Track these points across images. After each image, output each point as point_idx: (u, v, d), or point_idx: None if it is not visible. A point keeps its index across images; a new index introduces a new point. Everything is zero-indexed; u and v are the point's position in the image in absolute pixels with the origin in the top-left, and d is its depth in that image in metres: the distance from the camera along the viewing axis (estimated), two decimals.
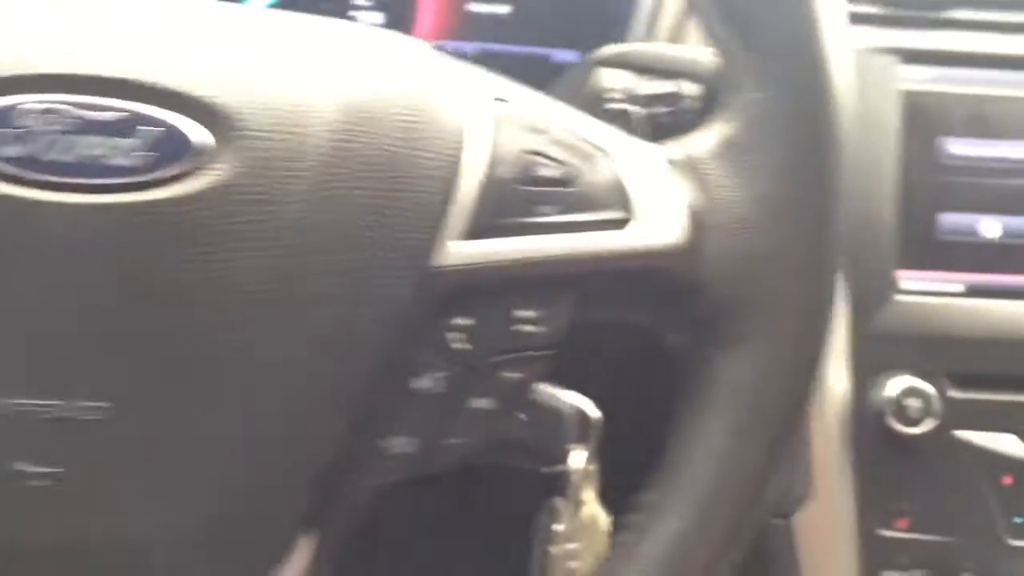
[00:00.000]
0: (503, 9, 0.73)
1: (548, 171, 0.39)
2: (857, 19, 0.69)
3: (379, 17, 0.74)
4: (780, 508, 0.67)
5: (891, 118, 0.67)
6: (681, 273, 0.40)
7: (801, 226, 0.40)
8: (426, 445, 0.39)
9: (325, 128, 0.36)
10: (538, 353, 0.39)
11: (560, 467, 0.60)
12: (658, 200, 0.40)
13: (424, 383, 0.38)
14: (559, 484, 0.61)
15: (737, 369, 0.41)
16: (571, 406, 0.59)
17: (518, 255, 0.38)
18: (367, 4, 0.74)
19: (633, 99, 0.50)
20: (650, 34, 0.68)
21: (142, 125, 0.35)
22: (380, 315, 0.37)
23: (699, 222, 0.40)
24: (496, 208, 0.38)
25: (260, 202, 0.35)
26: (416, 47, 0.40)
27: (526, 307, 0.39)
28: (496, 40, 0.73)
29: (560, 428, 0.58)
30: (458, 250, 0.38)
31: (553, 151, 0.39)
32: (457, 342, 0.38)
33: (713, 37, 0.42)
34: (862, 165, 0.67)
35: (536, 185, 0.39)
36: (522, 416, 0.57)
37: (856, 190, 0.67)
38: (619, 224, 0.39)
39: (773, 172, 0.40)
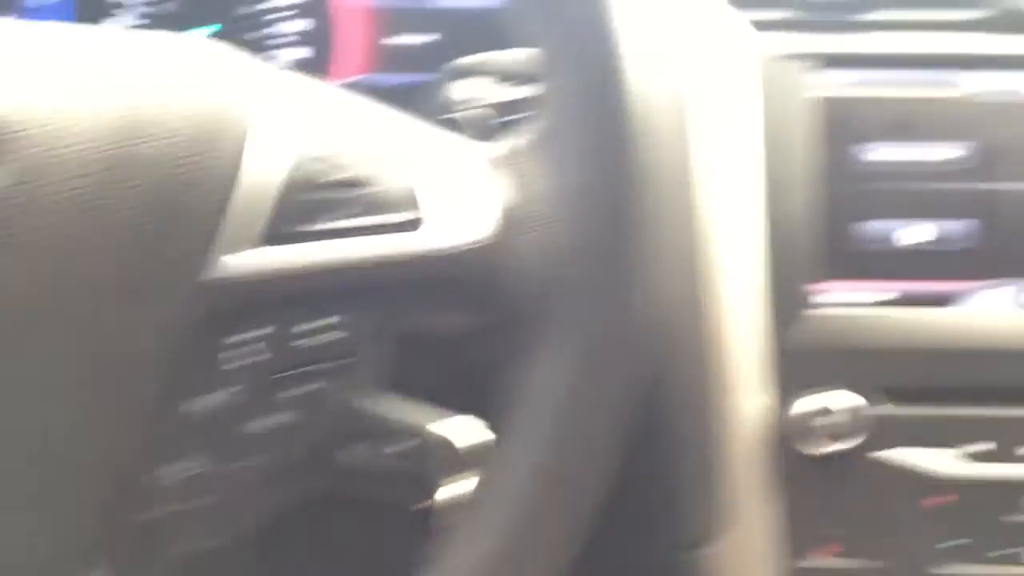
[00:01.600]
0: (427, 39, 0.72)
1: (334, 175, 0.37)
2: (767, 26, 0.66)
3: (307, 52, 0.73)
4: (694, 539, 0.64)
5: (807, 126, 0.65)
6: (484, 273, 0.38)
7: (596, 216, 0.38)
8: (213, 469, 0.37)
9: (89, 138, 0.35)
10: (331, 364, 0.37)
11: (429, 503, 0.55)
12: (463, 199, 0.39)
13: (200, 404, 0.36)
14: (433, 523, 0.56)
15: (545, 373, 0.38)
16: (435, 435, 0.52)
17: (297, 264, 0.36)
18: (294, 40, 0.74)
19: (488, 106, 0.49)
20: None
21: None
22: (147, 335, 0.35)
23: (510, 218, 0.39)
24: (276, 217, 0.37)
25: (22, 213, 0.34)
26: (213, 52, 0.39)
27: (311, 318, 0.37)
28: (421, 71, 0.72)
29: (426, 459, 0.52)
30: (233, 262, 0.36)
31: (340, 155, 0.38)
32: (234, 359, 0.36)
33: (521, 33, 0.40)
34: (778, 177, 0.65)
35: (321, 191, 0.37)
36: (386, 448, 0.54)
37: (772, 203, 0.65)
38: (412, 226, 0.38)
39: (573, 161, 0.38)
